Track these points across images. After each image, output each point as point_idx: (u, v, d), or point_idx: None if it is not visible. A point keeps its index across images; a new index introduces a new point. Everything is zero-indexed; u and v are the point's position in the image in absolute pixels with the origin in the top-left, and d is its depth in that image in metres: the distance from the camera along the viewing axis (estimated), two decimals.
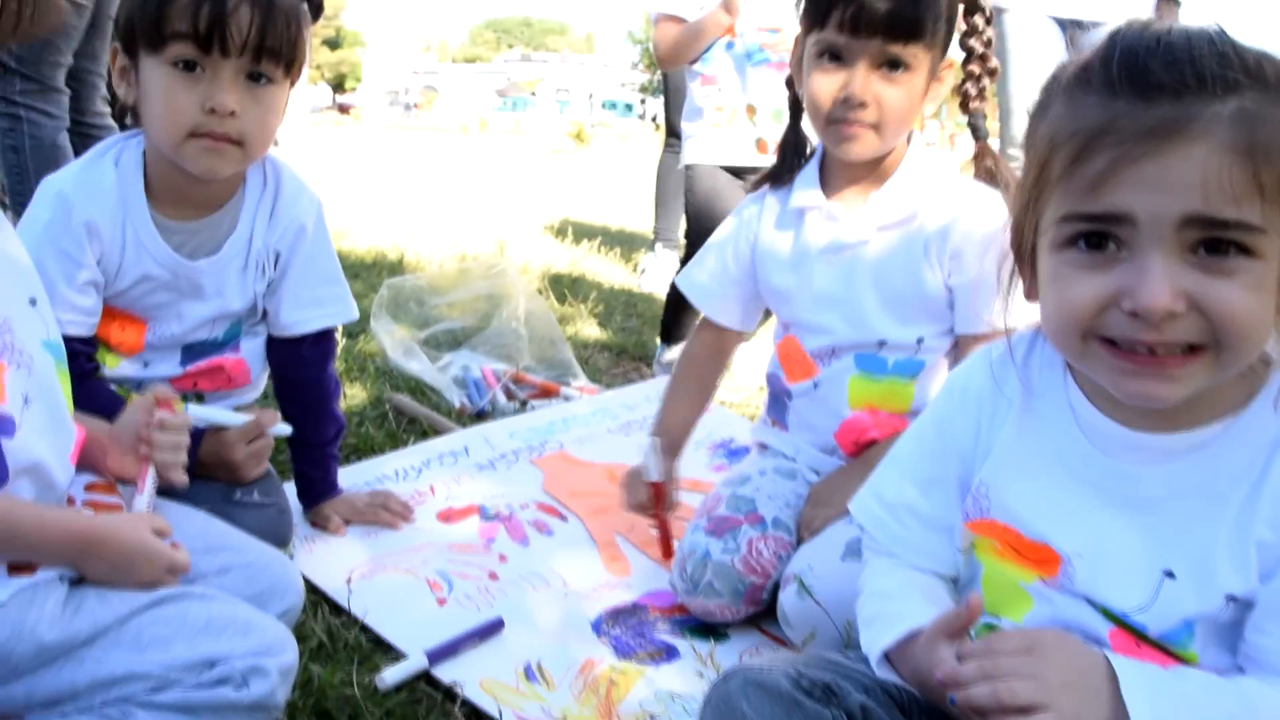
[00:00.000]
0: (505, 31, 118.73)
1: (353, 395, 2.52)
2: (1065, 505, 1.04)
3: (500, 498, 1.96)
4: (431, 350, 2.61)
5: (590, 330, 3.46)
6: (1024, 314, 1.07)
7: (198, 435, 1.60)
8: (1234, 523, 0.95)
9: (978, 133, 1.61)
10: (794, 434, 1.71)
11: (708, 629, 1.55)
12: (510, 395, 2.50)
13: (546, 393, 2.54)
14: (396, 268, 4.30)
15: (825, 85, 1.52)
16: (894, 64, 1.50)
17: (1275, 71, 0.85)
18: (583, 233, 5.76)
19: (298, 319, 1.71)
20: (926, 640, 1.01)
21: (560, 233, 5.78)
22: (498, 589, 1.64)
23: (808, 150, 1.70)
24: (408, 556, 1.73)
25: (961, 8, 1.54)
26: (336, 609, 1.56)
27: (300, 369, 1.76)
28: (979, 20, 1.55)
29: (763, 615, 1.57)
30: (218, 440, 1.61)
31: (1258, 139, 0.82)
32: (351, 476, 1.99)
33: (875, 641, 1.08)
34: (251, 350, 1.75)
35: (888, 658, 1.07)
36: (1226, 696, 0.93)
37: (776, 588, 1.52)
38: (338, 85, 66.17)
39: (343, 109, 48.60)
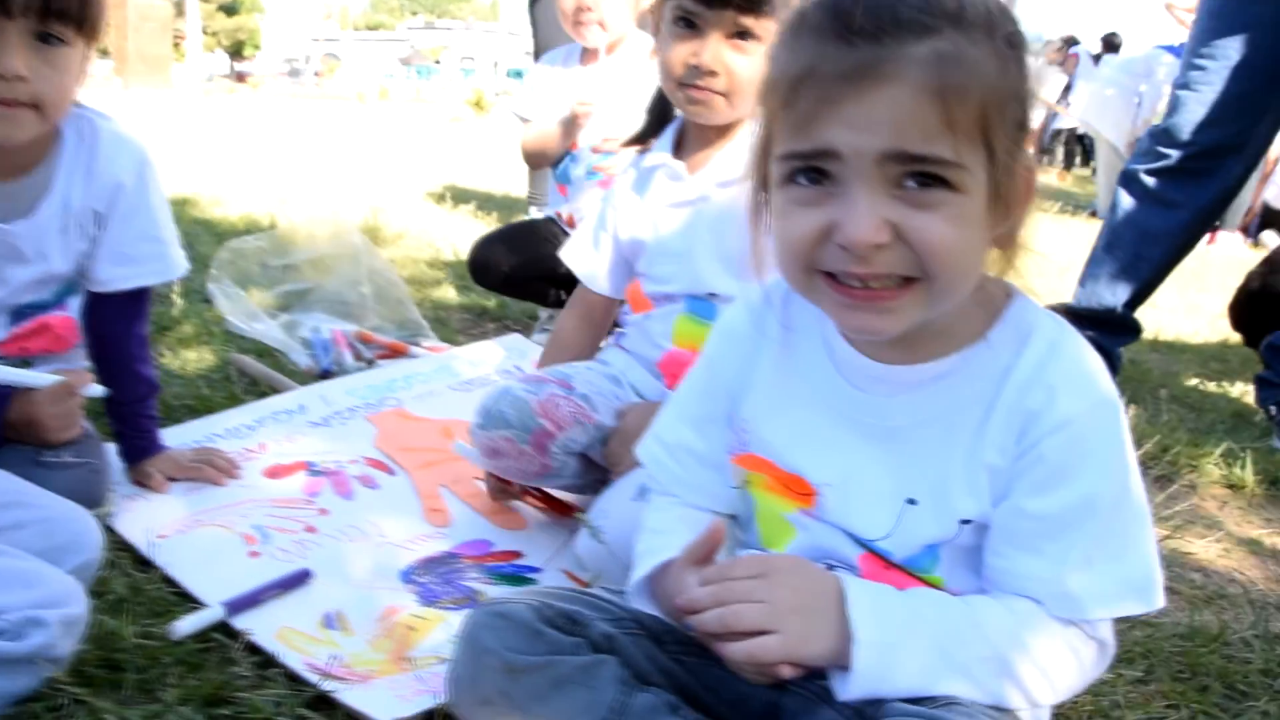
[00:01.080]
0: None
1: (198, 358, 2.47)
2: (818, 437, 1.08)
3: (330, 454, 1.95)
4: (280, 313, 2.57)
5: (450, 292, 3.45)
6: None
7: (4, 397, 1.57)
8: (967, 449, 1.00)
9: None
10: (628, 355, 1.77)
11: (518, 577, 1.57)
12: (359, 356, 2.48)
13: (395, 352, 2.52)
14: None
15: (677, 52, 1.57)
16: (744, 34, 1.54)
17: (977, 13, 0.89)
18: (462, 198, 5.71)
19: (113, 275, 1.68)
20: (675, 568, 1.05)
21: (440, 198, 5.73)
22: (314, 541, 1.64)
23: (672, 116, 1.76)
24: (226, 512, 1.71)
25: None
26: (144, 563, 1.54)
27: (109, 325, 1.72)
28: None
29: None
30: (26, 401, 1.57)
31: (950, 80, 0.87)
32: (181, 435, 1.96)
33: (637, 574, 1.11)
34: (80, 308, 1.71)
35: (651, 590, 1.11)
36: (955, 612, 0.98)
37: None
38: (235, 53, 64.14)
39: (240, 77, 47.21)
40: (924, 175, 0.88)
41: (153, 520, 1.66)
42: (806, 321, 1.10)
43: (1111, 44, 11.34)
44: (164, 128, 10.38)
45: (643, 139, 1.79)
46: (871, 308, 0.92)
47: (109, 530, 1.56)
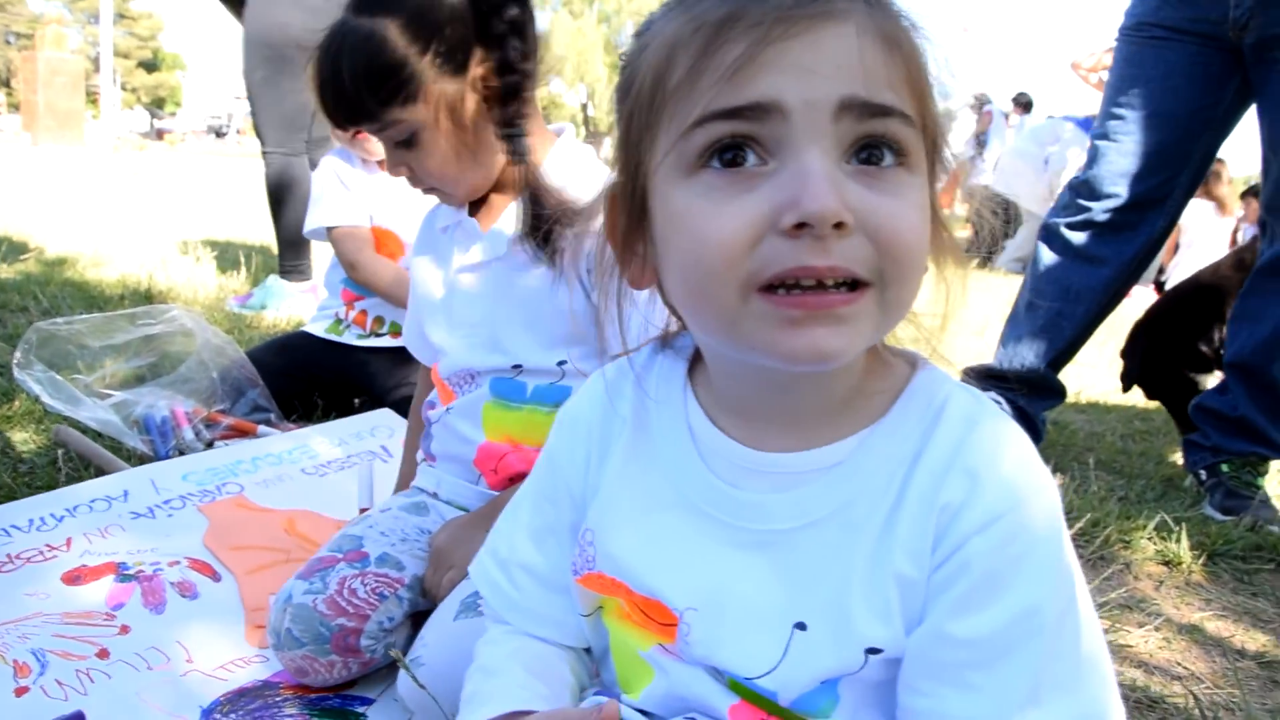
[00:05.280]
0: None
1: (18, 440, 2.17)
2: (679, 549, 0.83)
3: (147, 553, 1.66)
4: (107, 392, 2.27)
5: None
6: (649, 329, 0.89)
7: None
8: (869, 556, 0.76)
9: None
10: (440, 464, 1.51)
11: (345, 712, 1.30)
12: (198, 436, 2.19)
13: (241, 433, 2.24)
14: (149, 300, 3.90)
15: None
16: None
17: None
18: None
19: None
20: None
21: None
22: (102, 670, 1.35)
23: None
24: (3, 632, 1.42)
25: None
26: None
27: None
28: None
29: None
30: None
31: (899, 35, 0.70)
32: None
33: None
34: None
35: None
36: None
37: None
38: (155, 110, 63.19)
39: (160, 134, 46.47)
40: (878, 145, 0.68)
41: None
42: (667, 401, 0.87)
43: (1023, 103, 11.49)
44: (67, 185, 9.98)
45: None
46: (826, 317, 0.68)
47: None
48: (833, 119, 0.67)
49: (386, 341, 2.52)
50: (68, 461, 2.08)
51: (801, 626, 0.78)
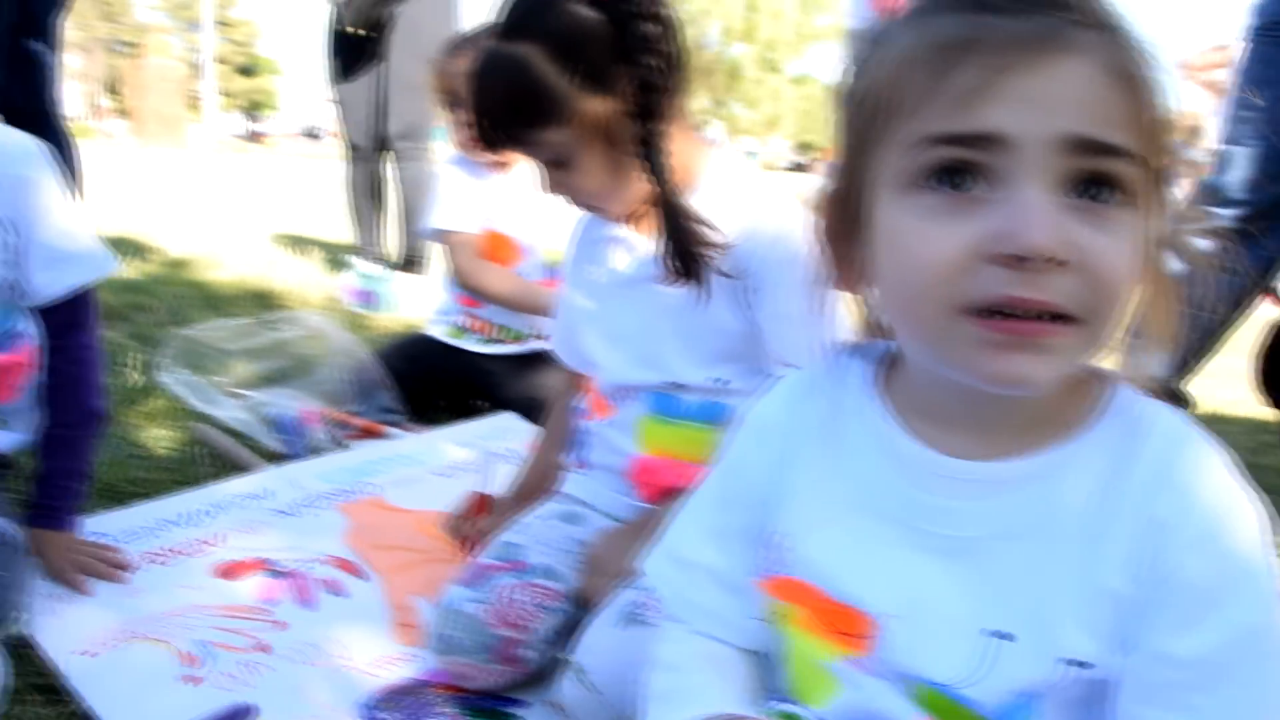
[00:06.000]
0: None
1: (157, 435, 2.26)
2: (877, 554, 0.83)
3: (294, 550, 1.71)
4: (241, 392, 2.35)
5: None
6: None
7: None
8: (1078, 569, 0.76)
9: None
10: (593, 474, 1.53)
11: (499, 713, 1.33)
12: (331, 437, 2.26)
13: (370, 434, 2.30)
14: (265, 300, 4.04)
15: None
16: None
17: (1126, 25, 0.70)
18: None
19: (50, 279, 1.49)
20: None
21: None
22: (267, 664, 1.40)
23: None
24: (167, 622, 1.47)
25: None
26: (55, 692, 1.31)
27: (55, 339, 1.53)
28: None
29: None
30: None
31: (1132, 69, 0.68)
32: (130, 519, 1.76)
33: None
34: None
35: None
36: None
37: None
38: (252, 113, 64.96)
39: (256, 137, 47.78)
40: (1102, 182, 0.68)
41: (80, 631, 1.43)
42: (859, 407, 0.88)
43: None
44: (176, 186, 10.32)
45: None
46: (1031, 345, 0.69)
47: (21, 647, 1.34)
48: (1059, 154, 0.67)
49: (508, 349, 2.55)
50: (207, 458, 2.15)
51: (1001, 635, 0.78)
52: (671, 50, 1.33)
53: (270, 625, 1.50)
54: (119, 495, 1.90)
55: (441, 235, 2.58)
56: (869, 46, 0.77)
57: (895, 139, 0.72)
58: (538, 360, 2.50)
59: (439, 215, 2.57)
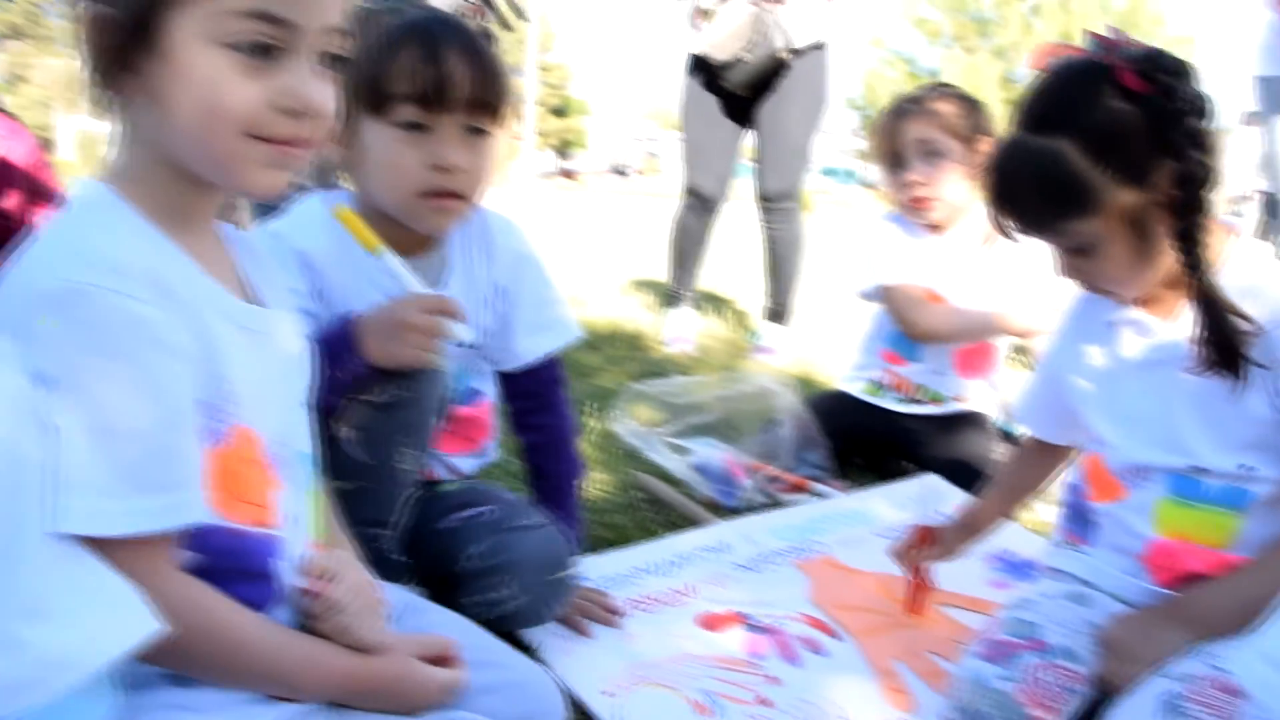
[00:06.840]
0: None
1: (600, 480, 2.45)
2: None
3: (764, 605, 1.81)
4: (675, 444, 2.51)
5: None
6: None
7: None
8: None
9: None
10: (1098, 554, 1.51)
11: None
12: (761, 490, 2.36)
13: (797, 488, 2.38)
14: (635, 341, 4.28)
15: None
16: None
17: None
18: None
19: (532, 345, 1.71)
20: None
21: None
22: (768, 718, 1.49)
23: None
24: (668, 669, 1.60)
25: None
26: None
27: (538, 397, 1.76)
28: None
29: None
30: (391, 306, 1.48)
31: None
32: (602, 567, 1.91)
33: None
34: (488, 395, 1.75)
35: None
36: None
37: None
38: (562, 151, 68.67)
39: (567, 174, 50.38)
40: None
41: (593, 672, 1.58)
42: None
43: None
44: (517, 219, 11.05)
45: None
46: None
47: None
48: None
49: (929, 409, 2.57)
50: (644, 503, 2.31)
51: None
52: (1213, 143, 1.32)
53: (764, 680, 1.59)
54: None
55: (882, 292, 2.62)
56: None
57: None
58: (960, 422, 2.50)
59: (879, 272, 2.62)
